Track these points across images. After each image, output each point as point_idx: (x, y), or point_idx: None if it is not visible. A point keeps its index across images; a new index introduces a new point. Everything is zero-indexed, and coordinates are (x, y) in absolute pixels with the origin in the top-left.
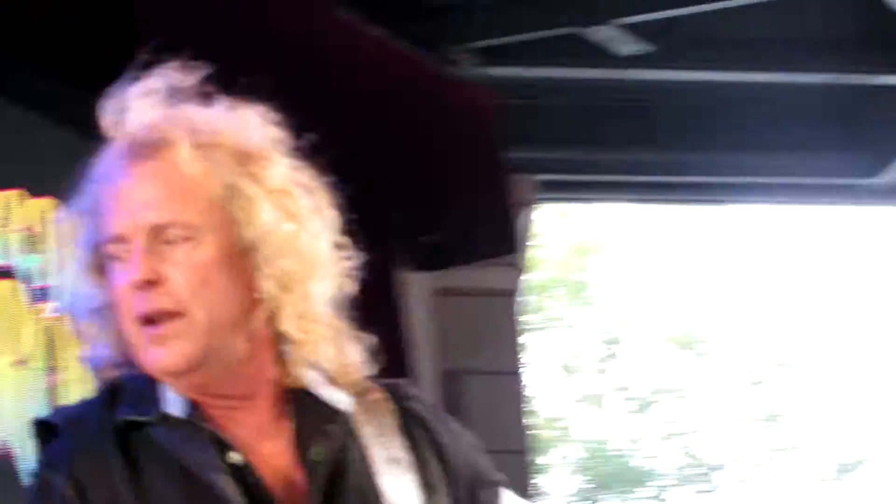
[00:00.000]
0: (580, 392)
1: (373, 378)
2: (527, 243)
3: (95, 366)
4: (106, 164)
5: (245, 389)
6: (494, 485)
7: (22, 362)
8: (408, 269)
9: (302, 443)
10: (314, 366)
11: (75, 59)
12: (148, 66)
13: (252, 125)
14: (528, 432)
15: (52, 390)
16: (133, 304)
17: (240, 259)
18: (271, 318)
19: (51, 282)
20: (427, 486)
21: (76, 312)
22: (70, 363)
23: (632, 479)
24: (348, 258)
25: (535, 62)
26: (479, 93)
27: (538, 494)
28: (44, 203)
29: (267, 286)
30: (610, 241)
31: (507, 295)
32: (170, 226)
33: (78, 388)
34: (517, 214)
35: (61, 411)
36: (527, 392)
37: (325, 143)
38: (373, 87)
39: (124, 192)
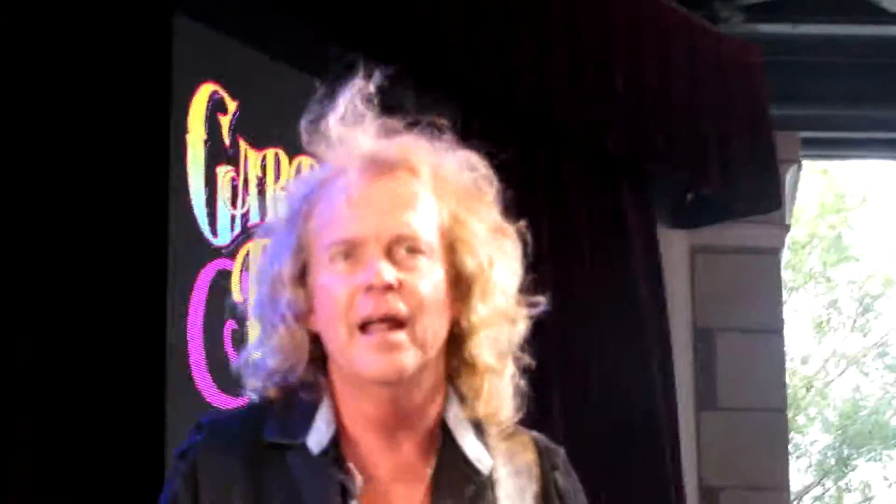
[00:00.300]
0: (837, 349)
1: (534, 433)
2: (788, 200)
3: (259, 375)
4: (333, 176)
5: (409, 419)
6: None
7: None
8: (668, 226)
9: (437, 496)
10: (469, 410)
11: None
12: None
13: (469, 164)
14: (784, 390)
15: None
16: (362, 307)
17: (454, 287)
18: (460, 347)
19: None
20: None
21: (266, 316)
22: None
23: (887, 437)
24: (530, 305)
25: (801, 19)
26: (746, 49)
27: (793, 452)
28: (303, 160)
29: (475, 317)
30: (870, 197)
31: (768, 252)
32: (410, 239)
33: None
34: (780, 171)
35: (213, 414)
36: (784, 350)
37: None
38: (652, 43)
39: (364, 199)
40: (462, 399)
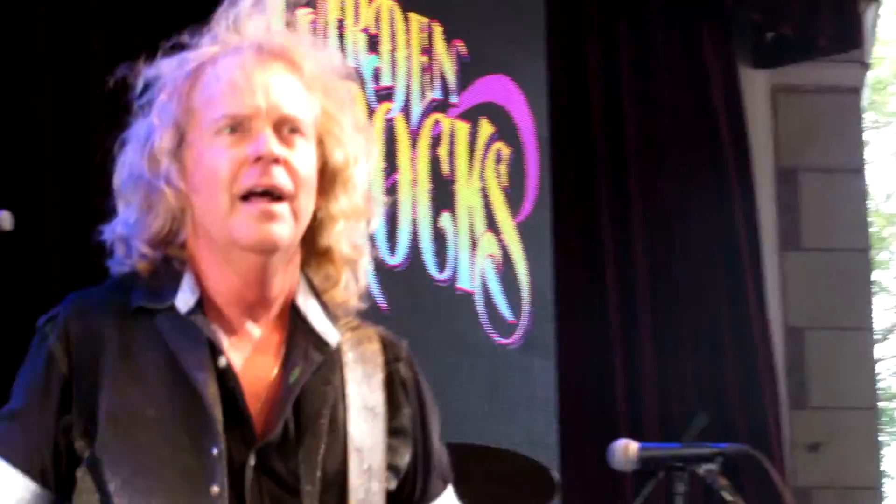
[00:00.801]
0: None
1: (379, 328)
2: (869, 38)
3: (133, 246)
4: (225, 55)
5: (268, 295)
6: (446, 481)
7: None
8: (749, 66)
9: (287, 364)
10: (317, 292)
11: None
12: None
13: (337, 63)
14: (866, 230)
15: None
16: (247, 177)
17: (319, 178)
18: (315, 237)
19: (389, 82)
20: (392, 445)
21: (142, 187)
22: (404, 164)
23: None
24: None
25: None
26: None
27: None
28: (382, 3)
29: (336, 208)
30: None
31: (849, 91)
32: (293, 121)
33: (408, 189)
34: (859, 9)
35: (79, 291)
36: (867, 190)
37: None
38: None
39: (252, 79)
40: (311, 287)
